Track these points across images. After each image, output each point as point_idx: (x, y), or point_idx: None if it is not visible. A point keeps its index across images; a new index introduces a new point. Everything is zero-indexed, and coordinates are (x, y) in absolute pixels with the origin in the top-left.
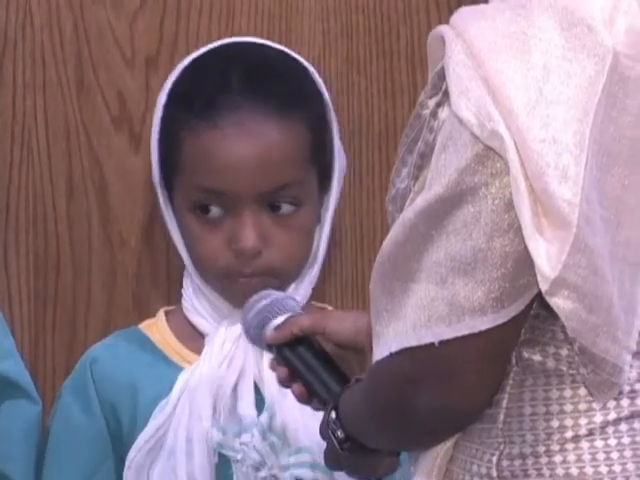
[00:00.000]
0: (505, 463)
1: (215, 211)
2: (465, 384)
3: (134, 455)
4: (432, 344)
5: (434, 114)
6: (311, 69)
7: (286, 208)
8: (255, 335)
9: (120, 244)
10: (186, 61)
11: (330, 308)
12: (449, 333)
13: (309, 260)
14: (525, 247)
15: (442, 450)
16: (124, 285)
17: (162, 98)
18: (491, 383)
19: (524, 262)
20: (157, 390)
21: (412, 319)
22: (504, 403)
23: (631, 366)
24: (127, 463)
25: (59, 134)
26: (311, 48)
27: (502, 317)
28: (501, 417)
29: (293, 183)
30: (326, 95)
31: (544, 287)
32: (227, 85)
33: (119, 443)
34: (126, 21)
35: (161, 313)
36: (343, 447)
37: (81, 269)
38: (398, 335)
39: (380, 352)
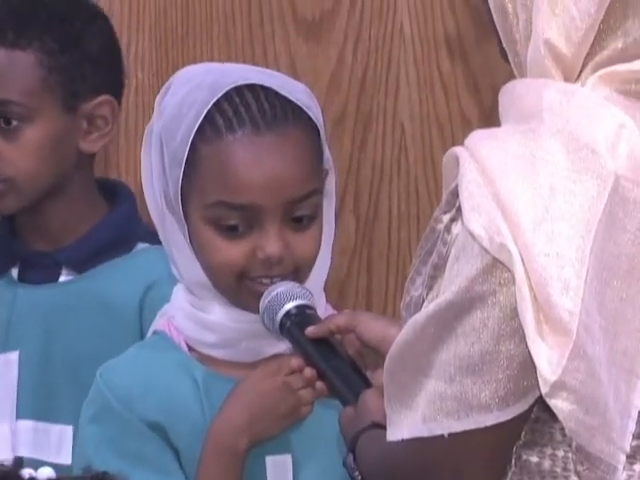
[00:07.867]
0: None
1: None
2: (470, 475)
3: None
4: (442, 436)
5: (448, 229)
6: None
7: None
8: (269, 322)
9: None
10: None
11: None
12: (457, 427)
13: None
14: (529, 351)
15: None
16: None
17: None
18: (492, 476)
19: (527, 365)
20: None
21: (422, 411)
22: None
23: (623, 468)
24: None
25: None
26: None
27: (506, 415)
28: None
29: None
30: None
31: (544, 389)
32: None
33: None
34: None
35: None
36: None
37: None
38: (410, 425)
39: (392, 435)
